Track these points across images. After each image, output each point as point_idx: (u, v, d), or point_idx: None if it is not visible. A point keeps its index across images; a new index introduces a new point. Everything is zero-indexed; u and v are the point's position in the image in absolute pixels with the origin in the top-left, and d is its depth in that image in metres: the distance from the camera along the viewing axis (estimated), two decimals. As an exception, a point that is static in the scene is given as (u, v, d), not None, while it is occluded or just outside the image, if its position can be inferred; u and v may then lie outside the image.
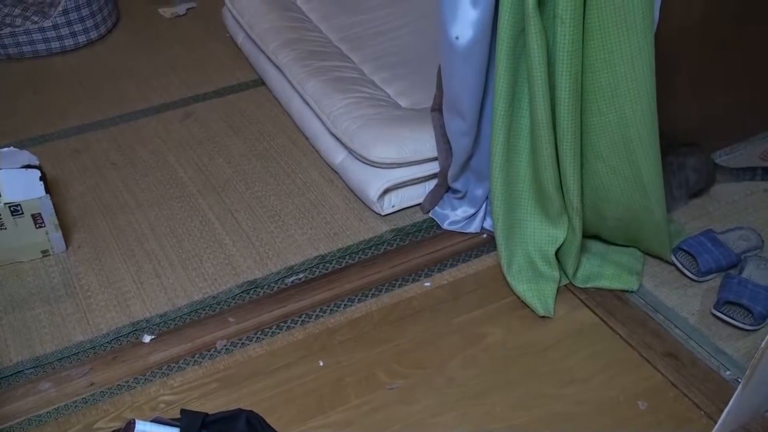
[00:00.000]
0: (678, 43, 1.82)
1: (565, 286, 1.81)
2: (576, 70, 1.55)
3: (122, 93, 2.66)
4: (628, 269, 1.82)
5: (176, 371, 1.66)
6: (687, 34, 1.86)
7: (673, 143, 1.93)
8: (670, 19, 1.67)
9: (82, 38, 2.93)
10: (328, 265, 1.92)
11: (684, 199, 1.98)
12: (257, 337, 1.73)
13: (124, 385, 1.64)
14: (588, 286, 1.80)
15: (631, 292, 1.79)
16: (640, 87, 1.56)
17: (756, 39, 1.99)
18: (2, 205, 1.83)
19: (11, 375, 1.67)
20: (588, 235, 1.85)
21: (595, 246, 1.87)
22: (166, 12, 3.18)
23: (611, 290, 1.79)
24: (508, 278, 1.80)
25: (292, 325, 1.76)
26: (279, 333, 1.74)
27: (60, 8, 2.83)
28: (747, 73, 2.06)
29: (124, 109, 2.57)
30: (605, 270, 1.82)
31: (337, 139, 2.14)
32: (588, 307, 1.77)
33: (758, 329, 1.66)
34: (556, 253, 1.80)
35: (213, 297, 1.84)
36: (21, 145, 2.06)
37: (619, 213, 1.75)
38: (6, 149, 1.96)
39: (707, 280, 1.79)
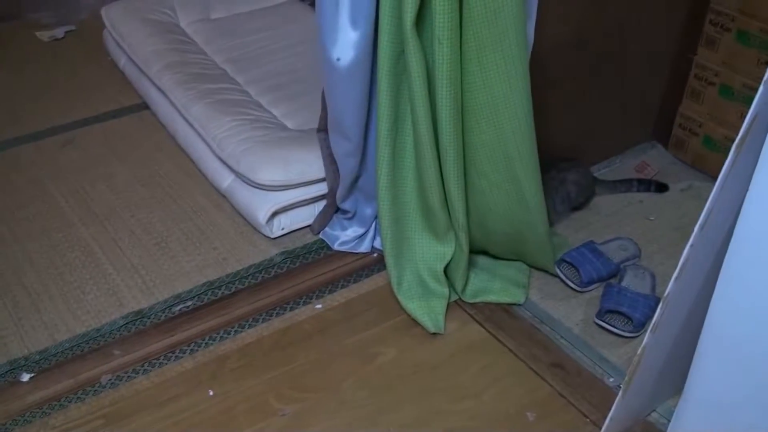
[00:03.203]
0: (553, 61, 1.89)
1: (455, 302, 1.83)
2: (455, 90, 1.58)
3: (-4, 120, 2.55)
4: (514, 283, 1.86)
5: (57, 409, 1.59)
6: (561, 52, 1.92)
7: (554, 159, 1.99)
8: (544, 39, 1.72)
9: (-49, 63, 2.80)
10: (217, 291, 1.88)
11: (566, 213, 2.05)
12: (144, 369, 1.68)
13: (1, 428, 1.55)
14: (477, 300, 1.83)
15: (519, 305, 1.82)
16: (518, 105, 1.60)
17: (629, 54, 2.08)
18: None
19: None
20: (475, 251, 1.88)
21: (482, 261, 1.91)
22: (44, 35, 3.07)
23: (499, 304, 1.82)
24: (399, 296, 1.81)
25: (181, 354, 1.71)
26: (167, 363, 1.69)
27: (-74, 32, 2.70)
28: (621, 87, 2.14)
29: (-1, 137, 2.46)
30: (493, 284, 1.85)
31: (224, 162, 2.11)
32: (477, 321, 1.79)
33: (637, 336, 1.71)
34: (445, 270, 1.82)
35: (96, 330, 1.77)
36: None
37: (503, 228, 1.79)
38: None
39: (590, 290, 1.85)
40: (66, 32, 3.10)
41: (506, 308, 1.82)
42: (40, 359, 1.70)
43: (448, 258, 1.80)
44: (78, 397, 1.62)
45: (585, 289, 1.84)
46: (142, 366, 1.69)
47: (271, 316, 1.81)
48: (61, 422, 1.56)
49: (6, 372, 1.67)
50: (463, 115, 1.64)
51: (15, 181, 2.25)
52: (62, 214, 2.13)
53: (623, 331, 1.71)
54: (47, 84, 2.76)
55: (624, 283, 1.80)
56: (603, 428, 1.43)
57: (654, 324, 1.28)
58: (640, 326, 1.71)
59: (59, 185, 2.24)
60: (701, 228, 1.17)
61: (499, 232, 1.81)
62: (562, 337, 1.74)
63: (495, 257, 1.92)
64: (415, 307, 1.78)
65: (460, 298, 1.83)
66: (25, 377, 1.66)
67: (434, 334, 1.75)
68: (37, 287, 1.89)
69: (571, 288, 1.85)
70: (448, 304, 1.81)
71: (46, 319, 1.80)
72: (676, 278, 1.23)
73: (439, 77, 1.56)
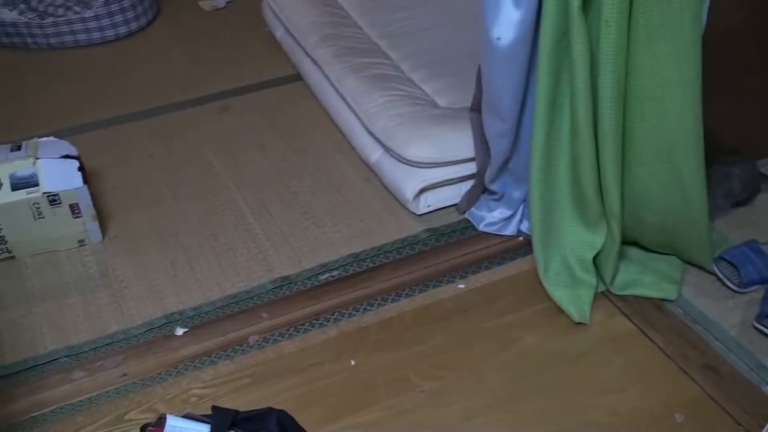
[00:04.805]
0: (724, 45, 1.78)
1: (602, 292, 1.78)
2: (619, 75, 1.52)
3: (160, 85, 2.67)
4: (667, 277, 1.78)
5: (208, 365, 1.66)
6: (734, 38, 1.81)
7: (718, 150, 1.89)
8: (717, 20, 1.63)
9: (122, 29, 2.95)
10: (362, 263, 1.91)
11: (727, 208, 1.95)
12: (290, 334, 1.73)
13: (156, 377, 1.64)
14: (626, 293, 1.77)
15: (670, 301, 1.75)
16: (686, 93, 1.52)
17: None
18: (41, 194, 1.84)
19: (46, 363, 1.68)
20: (627, 242, 1.82)
21: (633, 253, 1.84)
22: (206, 5, 3.20)
23: (649, 298, 1.76)
24: (544, 283, 1.78)
25: (325, 322, 1.75)
26: (311, 330, 1.73)
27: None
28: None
29: (162, 101, 2.58)
30: (644, 277, 1.78)
31: (374, 136, 2.13)
32: (625, 314, 1.74)
33: (801, 344, 1.62)
34: (594, 259, 1.77)
35: (246, 292, 1.84)
36: (60, 135, 2.08)
37: (659, 220, 1.72)
38: (46, 139, 1.98)
39: (749, 292, 1.75)
40: (227, 2, 3.21)
41: (657, 303, 1.75)
42: (194, 315, 1.78)
43: (599, 247, 1.75)
44: (227, 355, 1.68)
45: (744, 290, 1.74)
46: (288, 330, 1.73)
47: (414, 292, 1.82)
48: (210, 377, 1.63)
49: (162, 325, 1.76)
50: (626, 100, 1.58)
51: (176, 144, 2.36)
52: (218, 178, 2.21)
53: (786, 337, 1.62)
54: (208, 52, 2.87)
55: (788, 287, 1.70)
56: (760, 438, 1.36)
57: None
58: (805, 334, 1.61)
59: (216, 150, 2.33)
60: None
61: (654, 223, 1.74)
62: (716, 338, 1.66)
63: (647, 250, 1.85)
64: (560, 294, 1.74)
65: (607, 289, 1.78)
66: (180, 331, 1.74)
67: (578, 324, 1.71)
68: (192, 247, 1.97)
69: (730, 288, 1.76)
70: (595, 295, 1.76)
71: (200, 278, 1.88)
72: None
73: (603, 60, 1.51)
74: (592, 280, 1.76)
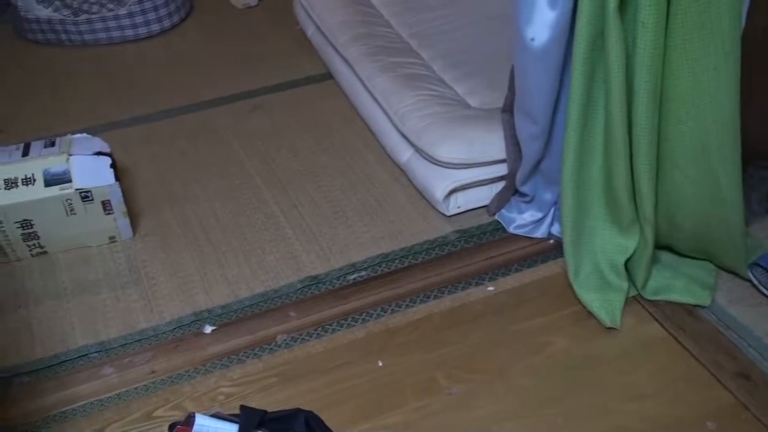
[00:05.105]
0: (762, 45, 1.75)
1: (633, 297, 1.76)
2: (655, 76, 1.50)
3: (192, 82, 2.69)
4: (700, 283, 1.76)
5: (236, 363, 1.67)
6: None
7: (753, 154, 1.86)
8: (755, 19, 1.60)
9: (155, 27, 2.97)
10: (390, 263, 1.90)
11: (763, 214, 1.91)
12: (317, 334, 1.73)
13: (184, 375, 1.65)
14: (657, 298, 1.74)
15: (703, 307, 1.73)
16: (724, 97, 1.50)
17: None
18: (74, 190, 1.86)
19: (76, 358, 1.69)
20: (660, 246, 1.80)
21: (666, 257, 1.82)
22: (238, 2, 3.21)
23: (682, 304, 1.73)
24: (575, 286, 1.76)
25: (353, 323, 1.75)
26: (339, 330, 1.73)
27: (135, -4, 2.88)
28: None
29: (194, 98, 2.59)
30: (676, 282, 1.76)
31: (404, 136, 2.12)
32: (656, 320, 1.71)
33: (838, 353, 1.59)
34: (626, 263, 1.75)
35: (275, 290, 1.84)
36: (93, 131, 2.09)
37: (693, 224, 1.70)
38: (79, 135, 2.00)
39: (785, 299, 1.73)
40: (259, 0, 3.22)
41: (689, 309, 1.73)
42: (222, 313, 1.78)
43: (631, 251, 1.73)
44: (255, 354, 1.68)
45: (780, 298, 1.72)
46: (316, 330, 1.73)
47: (443, 293, 1.81)
48: (239, 375, 1.64)
49: (191, 323, 1.76)
50: (662, 102, 1.56)
51: (208, 141, 2.37)
52: (248, 175, 2.22)
53: (822, 347, 1.59)
54: (239, 50, 2.88)
55: (825, 295, 1.66)
56: (794, 449, 1.33)
57: None
58: (842, 344, 1.58)
59: (246, 148, 2.33)
60: None
61: (688, 228, 1.71)
62: (750, 345, 1.63)
63: (680, 254, 1.82)
64: (591, 298, 1.72)
65: (639, 294, 1.76)
66: (208, 329, 1.75)
67: (609, 328, 1.69)
68: (222, 245, 1.98)
69: (764, 294, 1.72)
70: (626, 299, 1.74)
71: (229, 276, 1.88)
72: None
73: (639, 62, 1.49)
74: (624, 284, 1.74)
